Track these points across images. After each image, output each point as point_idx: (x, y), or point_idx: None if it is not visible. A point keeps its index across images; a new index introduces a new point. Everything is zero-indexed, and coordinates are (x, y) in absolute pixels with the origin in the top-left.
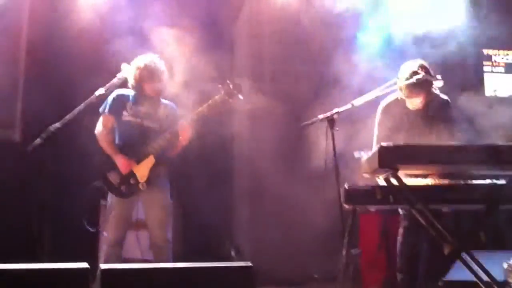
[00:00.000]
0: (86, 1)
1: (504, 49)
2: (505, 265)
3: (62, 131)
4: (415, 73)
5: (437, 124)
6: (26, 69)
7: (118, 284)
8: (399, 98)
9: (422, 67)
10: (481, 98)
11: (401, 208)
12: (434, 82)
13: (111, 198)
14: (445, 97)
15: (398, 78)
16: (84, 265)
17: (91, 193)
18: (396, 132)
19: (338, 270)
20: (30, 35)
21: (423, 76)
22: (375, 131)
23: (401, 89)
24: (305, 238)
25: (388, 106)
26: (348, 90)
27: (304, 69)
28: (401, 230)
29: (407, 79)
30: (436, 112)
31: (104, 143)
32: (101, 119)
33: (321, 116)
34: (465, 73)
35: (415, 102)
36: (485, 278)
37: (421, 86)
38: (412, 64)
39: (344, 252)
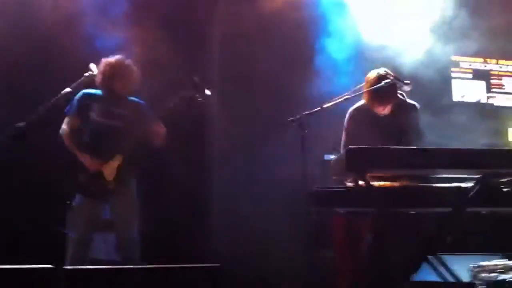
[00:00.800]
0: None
1: (471, 56)
2: (472, 267)
3: (28, 130)
4: (381, 79)
5: (405, 129)
6: None
7: (83, 286)
8: (367, 103)
9: (386, 74)
10: (448, 104)
11: (369, 211)
12: (403, 88)
13: (78, 198)
14: (412, 102)
15: (363, 86)
16: (49, 266)
17: (58, 194)
18: (364, 137)
19: (307, 273)
20: None
21: (388, 81)
22: (343, 135)
23: (364, 98)
24: (276, 240)
25: (356, 110)
26: (318, 93)
27: (276, 71)
28: (369, 232)
29: (373, 86)
30: (403, 117)
31: (69, 144)
32: (66, 120)
33: (290, 119)
34: (433, 79)
35: (380, 110)
36: (451, 279)
37: (385, 93)
38: (376, 72)
39: (311, 255)
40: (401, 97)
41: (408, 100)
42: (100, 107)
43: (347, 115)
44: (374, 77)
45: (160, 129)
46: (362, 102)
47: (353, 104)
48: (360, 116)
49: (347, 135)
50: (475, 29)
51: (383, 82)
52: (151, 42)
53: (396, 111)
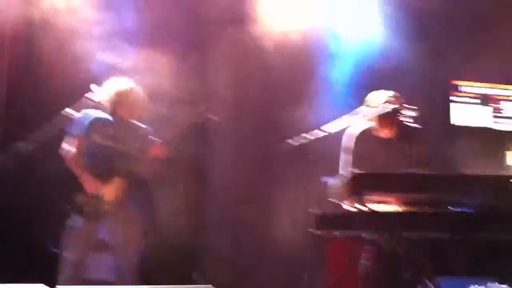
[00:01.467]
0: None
1: (471, 80)
2: None
3: (27, 151)
4: (388, 103)
5: (409, 153)
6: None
7: None
8: (370, 128)
9: (396, 98)
10: (447, 127)
11: (366, 234)
12: (409, 113)
13: (75, 218)
14: (416, 125)
15: (369, 106)
16: (41, 286)
17: (53, 213)
18: (369, 160)
19: None
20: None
21: (398, 106)
22: (343, 158)
23: (372, 119)
24: (274, 261)
25: (360, 137)
26: (320, 115)
27: (282, 94)
28: (364, 255)
29: (380, 108)
30: (407, 141)
31: (72, 164)
32: (70, 140)
33: (290, 141)
34: (432, 102)
35: (386, 132)
36: None
37: (394, 116)
38: (385, 94)
39: (309, 277)
40: (407, 122)
41: (412, 124)
42: (104, 130)
43: (350, 138)
44: (386, 99)
45: (163, 150)
46: (364, 126)
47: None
48: (366, 140)
49: (355, 157)
50: (475, 53)
51: (395, 106)
52: (157, 66)
53: (400, 134)
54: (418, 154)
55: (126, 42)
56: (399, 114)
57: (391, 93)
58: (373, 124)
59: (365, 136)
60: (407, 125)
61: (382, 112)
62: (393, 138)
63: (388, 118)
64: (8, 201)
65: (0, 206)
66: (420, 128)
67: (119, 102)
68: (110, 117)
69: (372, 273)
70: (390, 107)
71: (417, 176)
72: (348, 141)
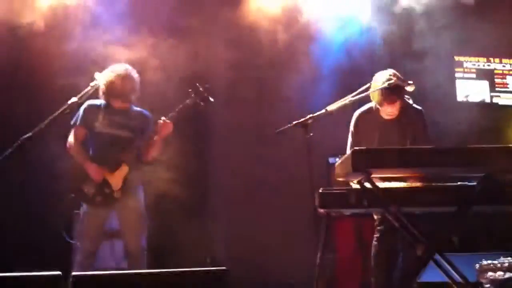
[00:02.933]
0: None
1: (475, 55)
2: (477, 266)
3: (34, 141)
4: (388, 80)
5: (411, 133)
6: None
7: None
8: (373, 108)
9: (393, 74)
10: (453, 103)
11: (375, 212)
12: (406, 88)
13: (84, 208)
14: (418, 107)
15: (371, 86)
16: (57, 273)
17: (65, 203)
18: (370, 140)
19: (313, 275)
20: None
21: (395, 81)
22: (349, 139)
23: (374, 97)
24: (281, 243)
25: (362, 115)
26: (322, 95)
27: (279, 76)
28: (376, 234)
29: (382, 88)
30: (409, 121)
31: (75, 154)
32: (72, 131)
33: (294, 122)
34: (437, 79)
35: (389, 110)
36: (458, 279)
37: (394, 91)
38: (384, 72)
39: (318, 257)
40: (407, 101)
41: (414, 105)
42: (105, 117)
43: (353, 118)
44: (385, 76)
45: (168, 127)
46: (368, 105)
47: (358, 106)
48: (366, 119)
49: (353, 137)
50: (478, 28)
51: (393, 80)
52: (155, 50)
53: (402, 115)
54: (419, 133)
55: (120, 26)
56: (398, 90)
57: (389, 71)
58: (375, 104)
59: (366, 116)
60: (409, 105)
61: (381, 88)
62: (395, 119)
63: (387, 96)
64: (20, 192)
65: (15, 198)
66: (419, 108)
67: (114, 87)
68: (105, 103)
69: (378, 252)
70: (388, 82)
71: (418, 150)
72: (352, 121)
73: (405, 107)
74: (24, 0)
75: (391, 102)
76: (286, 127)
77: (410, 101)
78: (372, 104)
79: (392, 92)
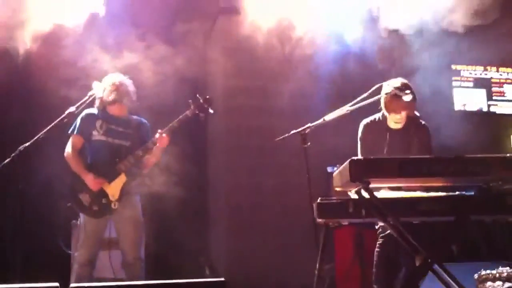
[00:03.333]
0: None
1: (472, 64)
2: (476, 276)
3: (33, 150)
4: (402, 87)
5: (417, 144)
6: None
7: None
8: (380, 117)
9: (406, 84)
10: (450, 112)
11: (371, 221)
12: (403, 98)
13: (82, 218)
14: (423, 122)
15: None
16: (55, 284)
17: (62, 213)
18: (379, 149)
19: (312, 284)
20: None
21: (405, 88)
22: (359, 148)
23: (386, 104)
24: (280, 252)
25: (369, 124)
26: (321, 105)
27: (278, 85)
28: (378, 241)
29: (394, 92)
30: (415, 132)
31: (73, 163)
32: (70, 140)
33: (293, 131)
34: (435, 88)
35: (397, 117)
36: None
37: (400, 101)
38: (395, 81)
39: (317, 266)
40: (415, 114)
41: (421, 120)
42: (102, 126)
43: (360, 127)
44: (400, 83)
45: (166, 139)
46: (374, 116)
47: (356, 116)
48: (374, 128)
49: (363, 147)
50: (475, 36)
51: (406, 98)
52: (154, 60)
53: (408, 125)
54: (423, 146)
55: (123, 37)
56: (404, 99)
57: (400, 80)
58: (382, 114)
59: (373, 125)
60: (416, 118)
61: (397, 94)
62: (402, 128)
63: (394, 104)
64: (17, 202)
65: (12, 208)
66: (425, 124)
67: (111, 97)
68: (102, 112)
69: (380, 261)
70: (394, 92)
71: (416, 160)
72: (359, 131)
73: (412, 119)
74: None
75: (403, 109)
76: (284, 136)
77: (417, 114)
78: (378, 115)
79: (398, 102)
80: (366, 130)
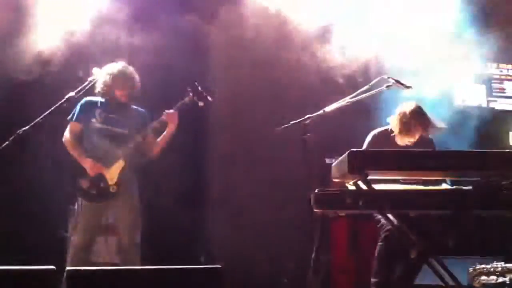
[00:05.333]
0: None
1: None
2: (470, 270)
3: (32, 135)
4: (417, 114)
5: None
6: None
7: (85, 286)
8: (390, 131)
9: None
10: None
11: (368, 213)
12: (405, 91)
13: (80, 202)
14: (430, 136)
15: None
16: (51, 267)
17: (60, 198)
18: None
19: (308, 275)
20: None
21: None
22: None
23: (394, 126)
24: (276, 243)
25: (378, 136)
26: (324, 95)
27: (281, 75)
28: (382, 236)
29: (411, 119)
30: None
31: (71, 149)
32: (69, 127)
33: (292, 122)
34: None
35: (407, 140)
36: (451, 282)
37: (423, 128)
38: (410, 104)
39: (313, 257)
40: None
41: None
42: (101, 114)
43: (369, 137)
44: (413, 110)
45: (175, 117)
46: (384, 127)
47: (355, 108)
48: (382, 142)
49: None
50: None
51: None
52: (153, 48)
53: (417, 143)
54: None
55: (122, 24)
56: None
57: (414, 104)
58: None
59: (382, 138)
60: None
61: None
62: (410, 146)
63: (412, 128)
64: (15, 187)
65: (10, 192)
66: (431, 138)
67: (113, 84)
68: (102, 100)
69: (382, 254)
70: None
71: (415, 153)
72: (367, 140)
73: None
74: None
75: (414, 135)
76: (284, 126)
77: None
78: (388, 127)
79: (416, 126)
80: (373, 141)
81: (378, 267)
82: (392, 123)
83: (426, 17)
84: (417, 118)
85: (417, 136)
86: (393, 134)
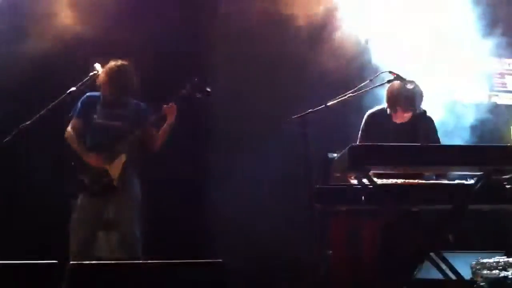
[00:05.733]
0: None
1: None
2: (473, 264)
3: (33, 130)
4: (397, 89)
5: (422, 138)
6: None
7: (87, 281)
8: (385, 109)
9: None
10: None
11: (369, 208)
12: (407, 85)
13: (81, 197)
14: (428, 115)
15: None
16: (54, 262)
17: (62, 192)
18: (379, 141)
19: (309, 271)
20: None
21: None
22: (359, 138)
23: (389, 103)
24: (277, 237)
25: (374, 115)
26: (326, 90)
27: (282, 70)
28: (382, 232)
29: (399, 93)
30: (421, 126)
31: (74, 144)
32: (71, 123)
33: (294, 116)
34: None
35: (402, 117)
36: (453, 277)
37: (410, 101)
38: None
39: (314, 252)
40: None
41: (425, 112)
42: (102, 109)
43: (364, 118)
44: (394, 85)
45: (174, 110)
46: (380, 106)
47: (359, 102)
48: (378, 121)
49: (363, 137)
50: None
51: (409, 86)
52: (151, 42)
53: (413, 119)
54: (429, 139)
55: (121, 19)
56: (413, 100)
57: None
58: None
59: (378, 117)
60: (421, 111)
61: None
62: (407, 122)
63: (403, 103)
64: (18, 182)
65: (12, 186)
66: (430, 117)
67: (110, 81)
68: (103, 95)
69: (384, 250)
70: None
71: (416, 148)
72: (363, 121)
73: (418, 113)
74: None
75: (406, 110)
76: (286, 121)
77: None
78: (384, 105)
79: (407, 101)
80: (368, 122)
81: (382, 263)
82: (387, 101)
83: (427, 12)
84: (397, 93)
85: (406, 111)
86: (387, 110)
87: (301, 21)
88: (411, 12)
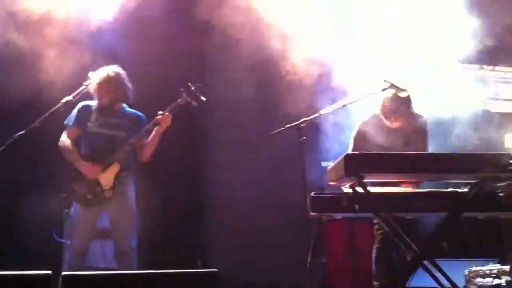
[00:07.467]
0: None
1: (467, 62)
2: (466, 272)
3: (28, 139)
4: (390, 98)
5: (413, 142)
6: None
7: None
8: (377, 115)
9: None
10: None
11: (364, 216)
12: (399, 94)
13: (75, 207)
14: (423, 116)
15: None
16: (47, 272)
17: (55, 202)
18: (374, 147)
19: (306, 279)
20: None
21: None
22: (351, 144)
23: (381, 108)
24: (273, 246)
25: (366, 122)
26: (320, 97)
27: (276, 79)
28: (377, 238)
29: (389, 102)
30: (413, 130)
31: (67, 153)
32: (65, 131)
33: (288, 125)
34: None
35: (393, 121)
36: (447, 284)
37: (401, 106)
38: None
39: (309, 261)
40: (414, 112)
41: (419, 114)
42: (97, 118)
43: (357, 125)
44: (388, 95)
45: (167, 120)
46: (370, 114)
47: (352, 111)
48: (370, 127)
49: (354, 144)
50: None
51: (403, 94)
52: (147, 50)
53: (406, 123)
54: (421, 143)
55: (116, 28)
56: (405, 106)
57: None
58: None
59: (370, 123)
60: (414, 114)
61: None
62: (399, 126)
63: (393, 109)
64: (11, 191)
65: (5, 196)
66: (424, 120)
67: (104, 89)
68: (98, 104)
69: (380, 256)
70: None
71: (411, 156)
72: (356, 126)
73: (409, 116)
74: None
75: (397, 115)
76: (280, 129)
77: (415, 111)
78: (376, 112)
79: (398, 107)
80: (360, 129)
81: (378, 269)
82: (379, 107)
83: (423, 18)
84: (389, 101)
85: (398, 118)
86: (379, 115)
87: (296, 30)
88: (406, 14)
